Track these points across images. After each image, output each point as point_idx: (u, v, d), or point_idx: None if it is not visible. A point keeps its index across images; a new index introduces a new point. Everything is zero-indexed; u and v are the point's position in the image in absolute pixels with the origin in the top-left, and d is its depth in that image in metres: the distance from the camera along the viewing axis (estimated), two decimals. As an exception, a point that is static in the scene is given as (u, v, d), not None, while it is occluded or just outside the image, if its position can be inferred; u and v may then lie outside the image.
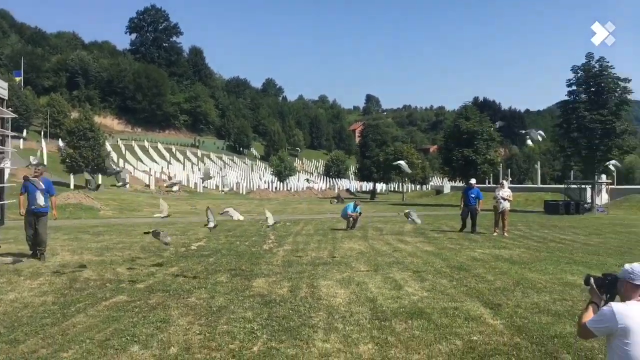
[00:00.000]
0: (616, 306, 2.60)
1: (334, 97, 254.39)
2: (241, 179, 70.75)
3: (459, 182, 42.85)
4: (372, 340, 4.89)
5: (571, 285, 7.56)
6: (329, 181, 79.84)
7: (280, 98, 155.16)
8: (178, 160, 79.21)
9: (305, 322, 5.45)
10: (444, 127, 56.55)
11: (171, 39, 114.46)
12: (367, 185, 70.63)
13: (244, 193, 59.32)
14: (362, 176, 65.70)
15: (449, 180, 53.03)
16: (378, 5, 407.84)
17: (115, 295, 6.60)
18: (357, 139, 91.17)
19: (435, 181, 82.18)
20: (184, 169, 71.78)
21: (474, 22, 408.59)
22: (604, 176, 35.68)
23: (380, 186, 72.90)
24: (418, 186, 77.80)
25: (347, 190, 72.17)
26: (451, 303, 6.39)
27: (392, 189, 77.15)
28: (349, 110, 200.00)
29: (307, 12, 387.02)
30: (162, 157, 78.11)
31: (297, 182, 73.08)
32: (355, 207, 16.47)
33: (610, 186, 38.86)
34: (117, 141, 76.75)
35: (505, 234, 15.21)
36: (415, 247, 12.25)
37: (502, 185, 16.49)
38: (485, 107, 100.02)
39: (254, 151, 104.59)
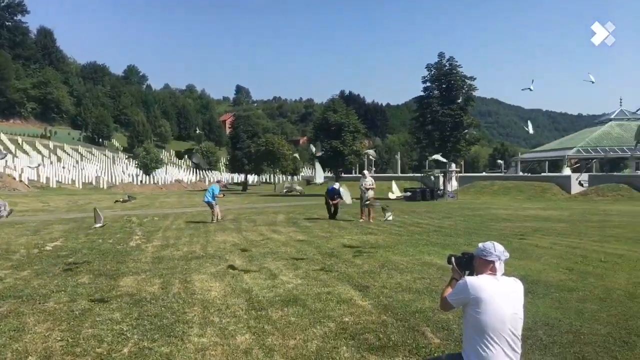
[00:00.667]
0: (469, 279, 2.94)
1: (203, 86, 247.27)
2: (101, 172, 65.76)
3: (329, 172, 44.44)
4: (249, 331, 4.92)
5: (429, 264, 8.32)
6: (199, 173, 77.73)
7: (144, 86, 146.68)
8: (25, 152, 71.12)
9: (180, 319, 5.30)
10: (313, 119, 58.08)
11: (15, 18, 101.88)
12: (239, 177, 70.12)
13: (105, 187, 55.29)
14: (233, 168, 65.00)
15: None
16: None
17: (-45, 307, 5.79)
18: (228, 130, 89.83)
19: (306, 172, 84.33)
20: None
21: (341, 19, 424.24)
22: (453, 165, 39.57)
23: (252, 178, 72.82)
24: (289, 177, 79.17)
25: (218, 182, 70.83)
26: (324, 288, 6.66)
27: (263, 180, 77.54)
28: (218, 100, 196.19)
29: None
30: (6, 148, 69.46)
31: (164, 174, 69.98)
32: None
33: (458, 174, 43.19)
34: (-52, 131, 66.61)
35: (371, 220, 16.17)
36: (288, 236, 12.49)
37: (364, 176, 17.46)
38: (351, 101, 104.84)
39: (115, 142, 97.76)
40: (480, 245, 3.09)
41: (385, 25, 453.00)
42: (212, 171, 79.64)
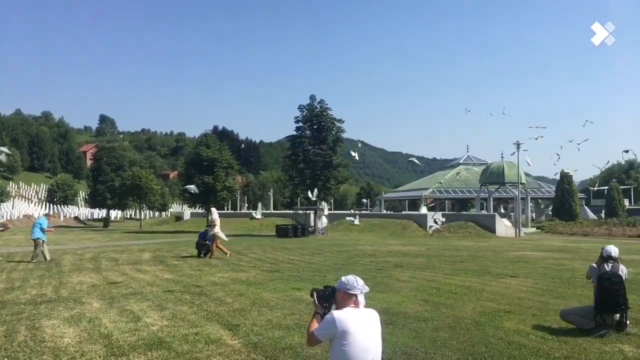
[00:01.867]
0: (336, 313, 3.09)
1: (61, 114, 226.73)
2: None
3: (199, 208, 43.26)
4: (107, 379, 4.57)
5: (299, 300, 8.46)
6: (54, 208, 70.72)
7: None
8: None
9: (25, 371, 4.76)
10: (185, 153, 56.48)
11: None
12: (100, 213, 65.13)
13: None
14: (93, 202, 60.16)
15: (189, 207, 53.00)
16: (106, 22, 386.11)
17: None
18: (89, 162, 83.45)
19: (175, 207, 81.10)
20: None
21: (215, 55, 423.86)
22: (324, 202, 40.94)
23: (115, 213, 68.08)
24: (157, 213, 75.41)
25: (76, 218, 65.05)
26: (192, 329, 6.44)
27: (128, 216, 72.89)
28: (79, 130, 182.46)
29: (21, 14, 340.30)
30: None
31: (11, 208, 62.47)
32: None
33: (328, 211, 44.75)
34: None
35: (212, 256, 16.11)
36: (154, 275, 11.87)
37: (211, 212, 17.68)
38: (224, 136, 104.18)
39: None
40: (342, 279, 3.27)
41: (259, 64, 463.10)
42: (69, 206, 73.06)
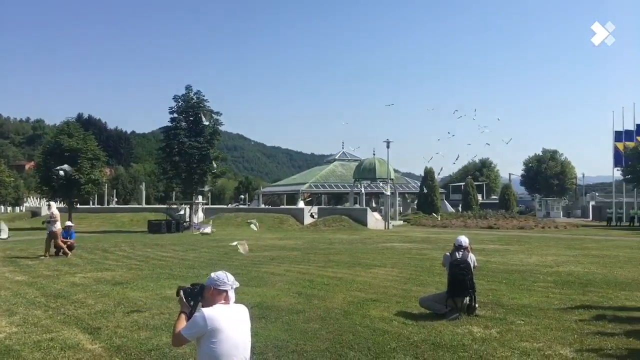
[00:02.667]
0: (206, 311, 2.98)
1: None
2: None
3: (60, 202, 39.60)
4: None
5: (169, 299, 8.13)
6: None
7: None
8: None
9: None
10: (43, 142, 51.20)
11: None
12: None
13: None
14: None
15: (47, 201, 48.32)
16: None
17: None
18: None
19: (32, 202, 73.39)
20: None
21: (70, 31, 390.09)
22: (200, 197, 39.84)
23: (-43, 208, 59.78)
24: (9, 208, 67.61)
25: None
26: (46, 334, 5.89)
27: (-27, 212, 64.37)
28: None
29: None
30: None
31: None
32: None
33: (205, 206, 43.71)
34: None
35: (47, 255, 14.76)
36: (3, 277, 10.65)
37: (50, 206, 16.25)
38: (90, 125, 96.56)
39: None
40: (212, 275, 3.18)
41: (133, 50, 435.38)
42: None
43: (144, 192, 64.75)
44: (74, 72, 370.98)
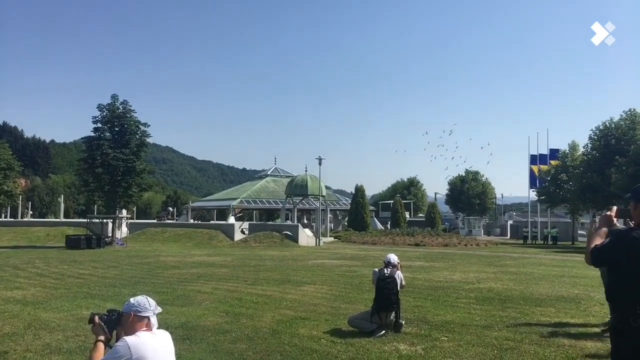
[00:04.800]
0: (130, 340, 2.75)
1: None
2: None
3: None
4: None
5: (85, 320, 7.60)
6: None
7: None
8: None
9: None
10: (-51, 149, 47.08)
11: None
12: None
13: None
14: None
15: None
16: None
17: None
18: None
19: None
20: None
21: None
22: (124, 211, 38.12)
23: None
24: None
25: None
26: (-60, 363, 5.31)
27: None
28: None
29: None
30: None
31: None
32: None
33: (129, 220, 41.84)
34: None
35: None
36: None
37: None
38: (5, 133, 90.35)
39: None
40: (131, 300, 2.94)
41: (49, 53, 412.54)
42: None
43: (62, 205, 60.96)
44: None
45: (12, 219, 48.70)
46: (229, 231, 36.49)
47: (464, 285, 12.44)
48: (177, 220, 59.21)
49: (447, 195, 70.61)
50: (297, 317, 8.03)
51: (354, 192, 53.89)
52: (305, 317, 8.04)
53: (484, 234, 54.08)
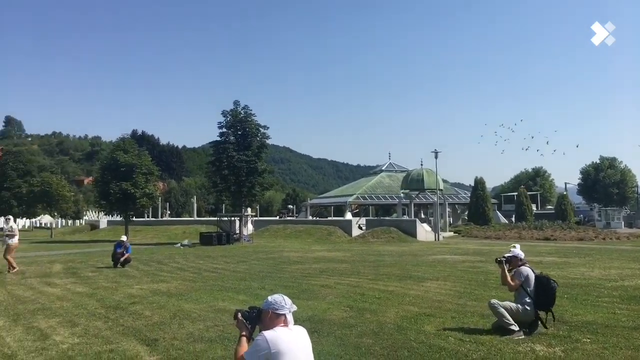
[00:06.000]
0: (267, 334, 2.97)
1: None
2: None
3: (117, 216, 41.23)
4: (7, 406, 4.17)
5: (222, 311, 8.23)
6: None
7: None
8: None
9: None
10: (101, 158, 53.59)
11: None
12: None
13: None
14: (-3, 210, 55.54)
15: (105, 215, 50.39)
16: (11, 12, 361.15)
17: None
18: (-8, 167, 76.93)
19: (91, 215, 76.81)
20: None
21: (134, 55, 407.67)
22: (249, 209, 40.46)
23: (23, 222, 63.26)
24: (70, 221, 70.98)
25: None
26: (106, 346, 6.05)
27: (37, 225, 68.00)
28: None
29: None
30: None
31: None
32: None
33: (254, 218, 44.29)
34: None
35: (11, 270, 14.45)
36: (65, 289, 11.10)
37: (8, 221, 15.60)
38: (144, 141, 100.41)
39: None
40: (269, 298, 3.17)
41: (181, 67, 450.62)
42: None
43: (195, 205, 66.42)
44: (128, 91, 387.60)
45: (153, 219, 54.08)
46: (346, 227, 37.01)
47: (605, 283, 11.34)
48: (296, 217, 61.42)
49: (579, 185, 64.98)
50: (422, 314, 7.91)
51: (473, 184, 51.76)
52: (430, 314, 7.89)
53: (624, 227, 48.76)
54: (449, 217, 49.89)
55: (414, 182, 45.26)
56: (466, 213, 54.58)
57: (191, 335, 6.56)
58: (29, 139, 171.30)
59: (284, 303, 3.12)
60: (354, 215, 52.26)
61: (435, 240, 34.07)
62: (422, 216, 56.18)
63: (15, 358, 5.51)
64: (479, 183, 49.63)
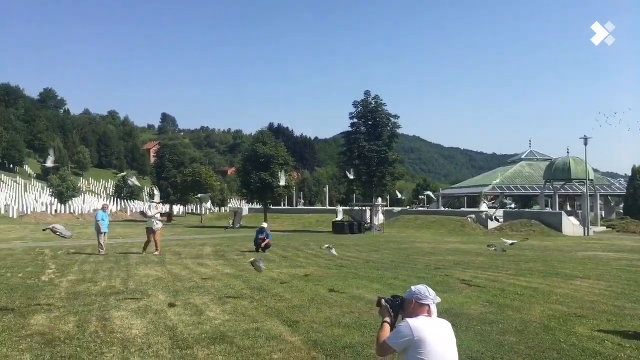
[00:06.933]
0: (411, 321, 2.96)
1: (126, 113, 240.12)
2: (12, 200, 61.09)
3: (257, 204, 44.03)
4: (173, 371, 4.68)
5: (357, 298, 8.38)
6: (121, 203, 74.25)
7: (62, 111, 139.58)
8: None
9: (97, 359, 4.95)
10: (242, 150, 57.72)
11: None
12: (164, 208, 67.61)
13: (16, 217, 51.24)
14: (158, 197, 62.68)
15: (247, 203, 54.14)
16: (174, 21, 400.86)
17: None
18: (153, 159, 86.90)
19: (234, 203, 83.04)
20: None
21: (268, 51, 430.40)
22: (380, 199, 40.62)
23: (178, 208, 70.57)
24: (217, 208, 77.52)
25: (142, 213, 67.95)
26: (253, 324, 6.50)
27: (189, 211, 75.35)
28: (143, 128, 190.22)
29: (93, 18, 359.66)
30: None
31: (82, 203, 66.15)
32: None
33: (384, 208, 44.33)
34: None
35: (157, 252, 15.63)
36: (215, 270, 12.16)
37: (154, 208, 17.09)
38: (279, 133, 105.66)
39: (28, 169, 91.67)
40: (413, 288, 3.15)
41: (311, 60, 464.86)
42: (135, 201, 76.45)
43: (327, 195, 68.39)
44: (266, 86, 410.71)
45: (289, 207, 56.84)
46: (481, 219, 35.36)
47: None
48: (428, 208, 60.18)
49: None
50: (572, 314, 7.27)
51: (630, 174, 46.12)
52: (582, 315, 7.22)
53: None
54: (600, 210, 45.09)
55: (559, 171, 41.65)
56: (622, 206, 48.81)
57: (329, 320, 6.78)
58: (182, 134, 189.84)
59: (428, 294, 3.09)
60: (490, 207, 49.68)
61: (585, 235, 31.12)
62: (569, 209, 51.52)
63: (175, 330, 6.17)
64: (638, 172, 44.04)
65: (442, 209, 53.49)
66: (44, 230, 9.95)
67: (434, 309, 3.08)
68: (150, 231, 15.86)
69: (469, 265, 13.75)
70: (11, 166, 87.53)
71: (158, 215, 16.40)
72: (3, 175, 79.16)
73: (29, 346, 5.37)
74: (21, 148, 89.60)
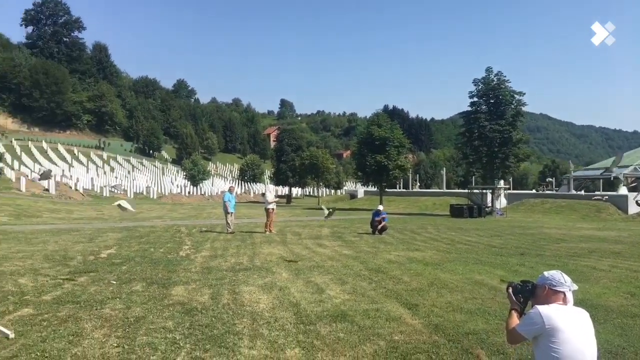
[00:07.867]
0: (542, 308, 2.79)
1: (248, 100, 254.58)
2: (152, 182, 67.94)
3: (372, 186, 44.18)
4: (298, 345, 4.91)
5: (480, 284, 8.08)
6: (245, 185, 78.98)
7: (193, 100, 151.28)
8: (81, 162, 74.41)
9: (230, 330, 5.35)
10: (357, 133, 58.04)
11: (72, 34, 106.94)
12: (283, 190, 70.88)
13: (155, 197, 57.00)
14: (277, 180, 65.74)
15: (362, 185, 54.56)
16: (293, 10, 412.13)
17: (20, 309, 6.06)
18: (273, 144, 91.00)
19: (349, 186, 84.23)
20: (87, 172, 67.54)
21: (384, 35, 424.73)
22: (502, 182, 38.54)
23: (296, 190, 73.34)
24: (333, 190, 79.23)
25: (263, 194, 71.76)
26: (372, 305, 6.58)
27: (307, 193, 77.94)
28: (263, 114, 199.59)
29: (219, 12, 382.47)
30: (63, 158, 72.97)
31: (211, 186, 71.48)
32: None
33: (507, 191, 41.99)
34: (12, 141, 70.68)
35: (273, 231, 16.97)
36: (334, 250, 12.46)
37: (268, 191, 18.41)
38: (395, 115, 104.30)
39: (164, 154, 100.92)
40: (545, 274, 2.95)
41: (429, 40, 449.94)
42: (257, 183, 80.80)
43: (444, 177, 66.47)
44: (381, 68, 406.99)
45: (404, 190, 56.25)
46: (621, 203, 32.06)
47: None
48: (557, 191, 55.89)
49: None
50: None
51: None
52: None
53: None
54: None
55: None
56: None
57: (450, 305, 6.63)
58: (299, 118, 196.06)
59: (563, 280, 2.87)
60: (631, 189, 44.75)
61: None
62: None
63: (299, 306, 6.44)
64: None
65: (573, 192, 49.30)
66: (115, 205, 11.02)
67: (569, 297, 2.86)
68: (268, 212, 17.10)
69: (605, 254, 12.57)
70: (150, 151, 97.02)
71: (276, 199, 17.62)
72: (144, 160, 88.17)
73: (171, 314, 5.96)
74: (159, 135, 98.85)
